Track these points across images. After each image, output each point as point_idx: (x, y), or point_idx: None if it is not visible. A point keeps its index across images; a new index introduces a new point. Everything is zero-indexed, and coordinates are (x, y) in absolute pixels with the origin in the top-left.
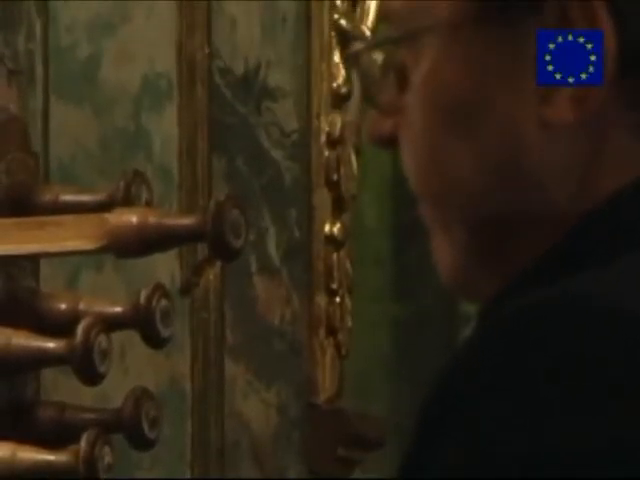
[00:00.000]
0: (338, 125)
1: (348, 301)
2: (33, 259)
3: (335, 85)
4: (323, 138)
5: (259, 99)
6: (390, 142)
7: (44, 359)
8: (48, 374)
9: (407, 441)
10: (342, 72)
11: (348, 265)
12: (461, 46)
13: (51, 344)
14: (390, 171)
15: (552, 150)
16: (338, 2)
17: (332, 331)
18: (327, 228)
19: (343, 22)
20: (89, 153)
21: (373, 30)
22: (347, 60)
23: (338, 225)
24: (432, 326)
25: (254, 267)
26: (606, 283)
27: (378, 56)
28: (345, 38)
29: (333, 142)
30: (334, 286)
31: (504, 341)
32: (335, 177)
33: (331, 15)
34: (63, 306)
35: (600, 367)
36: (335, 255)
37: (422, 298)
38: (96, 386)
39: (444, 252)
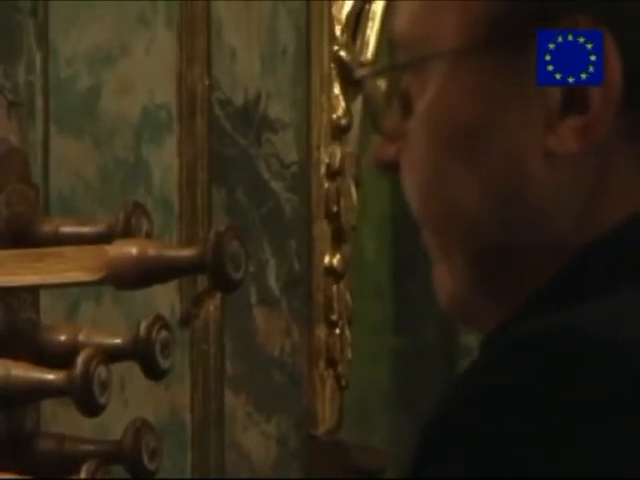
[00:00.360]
0: (338, 157)
1: (348, 333)
2: (33, 290)
3: (335, 117)
4: (323, 170)
5: (259, 131)
6: (393, 168)
7: (44, 390)
8: (48, 405)
9: (406, 469)
10: (342, 104)
11: (348, 297)
12: (468, 73)
13: (51, 375)
14: (390, 203)
15: (555, 180)
16: (338, 34)
17: (332, 363)
18: (327, 260)
19: (343, 54)
20: (89, 185)
21: (373, 62)
22: (348, 91)
23: (338, 257)
24: (432, 358)
25: (254, 299)
26: (606, 314)
27: (382, 82)
28: (345, 70)
29: (333, 173)
30: (334, 318)
31: (504, 370)
32: (335, 209)
33: (331, 47)
34: (63, 337)
35: (599, 396)
36: (335, 287)
37: (422, 330)
38: (96, 417)
39: (445, 279)
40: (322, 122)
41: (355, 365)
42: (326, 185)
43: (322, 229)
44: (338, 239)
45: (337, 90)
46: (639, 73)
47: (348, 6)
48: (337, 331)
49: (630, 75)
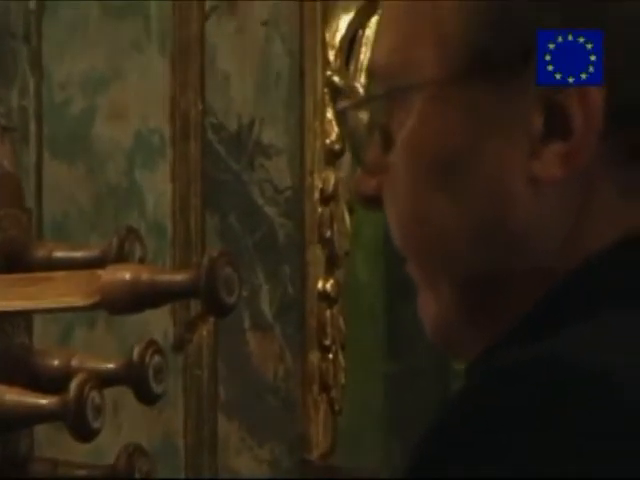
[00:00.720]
0: (331, 182)
1: (341, 358)
2: (26, 316)
3: (328, 142)
4: (316, 195)
5: (252, 156)
6: (375, 201)
7: (38, 415)
8: (41, 430)
9: None
10: (335, 129)
11: (341, 322)
12: (449, 103)
13: (44, 400)
14: (383, 228)
15: (539, 206)
16: (331, 59)
17: (325, 387)
18: (320, 285)
19: (336, 79)
20: (82, 209)
21: (366, 87)
22: (338, 117)
23: (331, 282)
24: (425, 383)
25: (247, 323)
26: (591, 341)
27: (364, 114)
28: (338, 95)
29: (326, 199)
30: (327, 342)
31: (489, 399)
32: (328, 234)
33: (324, 72)
34: (56, 362)
35: (584, 421)
36: (328, 312)
37: (415, 355)
38: (89, 442)
39: (430, 307)
40: (315, 147)
41: (348, 390)
42: (320, 210)
43: (315, 254)
44: (331, 264)
45: (330, 115)
46: (623, 99)
47: (342, 32)
48: (330, 356)
49: (614, 101)
